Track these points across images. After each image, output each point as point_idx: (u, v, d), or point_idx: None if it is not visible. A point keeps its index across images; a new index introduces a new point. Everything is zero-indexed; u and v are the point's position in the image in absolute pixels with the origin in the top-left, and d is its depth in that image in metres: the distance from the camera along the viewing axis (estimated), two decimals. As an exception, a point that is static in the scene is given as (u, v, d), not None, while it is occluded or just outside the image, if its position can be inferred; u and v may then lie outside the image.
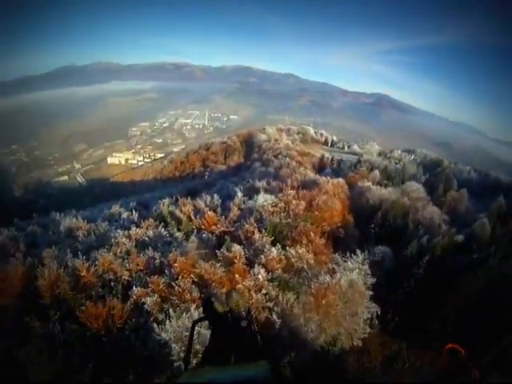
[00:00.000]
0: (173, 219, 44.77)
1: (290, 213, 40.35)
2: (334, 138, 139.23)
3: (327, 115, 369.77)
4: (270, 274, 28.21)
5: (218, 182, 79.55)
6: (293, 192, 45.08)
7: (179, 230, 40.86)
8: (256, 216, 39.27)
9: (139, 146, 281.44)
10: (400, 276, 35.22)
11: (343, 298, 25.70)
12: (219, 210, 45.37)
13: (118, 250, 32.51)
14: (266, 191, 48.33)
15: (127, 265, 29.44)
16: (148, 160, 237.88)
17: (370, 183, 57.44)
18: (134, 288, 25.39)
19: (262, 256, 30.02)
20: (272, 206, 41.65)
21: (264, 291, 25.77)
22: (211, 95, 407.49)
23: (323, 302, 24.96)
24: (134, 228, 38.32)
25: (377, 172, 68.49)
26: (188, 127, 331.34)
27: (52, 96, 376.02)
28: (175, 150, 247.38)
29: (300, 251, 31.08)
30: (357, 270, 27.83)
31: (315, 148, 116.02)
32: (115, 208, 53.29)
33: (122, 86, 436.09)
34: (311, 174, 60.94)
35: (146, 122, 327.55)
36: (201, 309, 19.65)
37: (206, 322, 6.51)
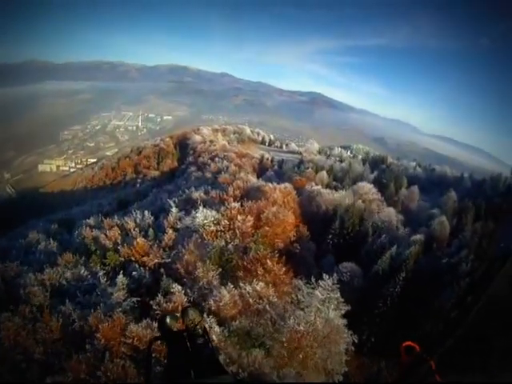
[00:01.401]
0: (97, 246, 37.88)
1: (237, 231, 34.58)
2: (271, 137, 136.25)
3: (262, 114, 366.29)
4: (224, 326, 22.49)
5: (150, 191, 75.52)
6: (237, 205, 38.93)
7: (104, 264, 33.52)
8: (196, 240, 32.73)
9: (71, 151, 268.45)
10: (372, 294, 32.39)
11: (320, 341, 22.20)
12: (151, 232, 38.87)
13: (27, 310, 25.40)
14: (205, 204, 42.43)
15: (39, 333, 23.01)
16: (80, 166, 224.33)
17: (319, 186, 53.00)
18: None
19: (211, 300, 24.27)
20: (214, 224, 35.58)
21: (222, 355, 19.55)
22: (145, 95, 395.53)
23: (298, 353, 21.66)
24: (49, 270, 31.08)
25: (324, 173, 64.56)
26: (121, 129, 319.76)
27: None
28: (108, 153, 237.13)
29: (258, 287, 25.29)
30: (331, 307, 23.14)
31: (253, 148, 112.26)
32: (32, 235, 46.50)
33: (55, 87, 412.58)
34: (253, 180, 55.59)
35: (78, 125, 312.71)
36: None
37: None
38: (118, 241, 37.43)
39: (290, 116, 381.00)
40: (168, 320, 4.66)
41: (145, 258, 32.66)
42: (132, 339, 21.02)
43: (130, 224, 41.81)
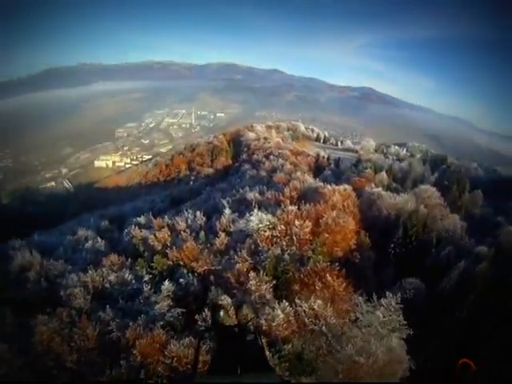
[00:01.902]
0: (145, 248, 35.78)
1: (294, 238, 30.89)
2: (326, 134, 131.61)
3: (314, 110, 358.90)
4: (274, 349, 19.61)
5: (203, 189, 73.56)
6: (294, 208, 35.16)
7: (151, 267, 30.81)
8: (249, 246, 29.41)
9: (126, 148, 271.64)
10: (437, 316, 27.27)
11: (378, 371, 18.63)
12: (202, 235, 35.94)
13: (65, 314, 24.54)
14: (260, 205, 39.05)
15: (75, 340, 21.95)
16: (135, 162, 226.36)
17: (379, 188, 48.17)
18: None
19: (263, 319, 21.10)
20: (269, 229, 32.07)
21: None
22: (197, 93, 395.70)
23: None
24: (93, 271, 29.72)
25: (383, 174, 59.56)
26: (175, 127, 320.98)
27: (36, 99, 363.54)
28: (162, 150, 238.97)
29: (315, 306, 21.85)
30: (394, 334, 20.24)
31: (308, 145, 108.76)
32: (81, 232, 44.75)
33: (108, 87, 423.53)
34: (310, 180, 51.71)
35: (132, 123, 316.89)
36: None
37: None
38: (168, 243, 34.81)
39: (342, 112, 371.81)
40: (222, 313, 4.64)
41: (194, 264, 29.86)
42: (171, 359, 19.23)
43: (181, 225, 39.20)
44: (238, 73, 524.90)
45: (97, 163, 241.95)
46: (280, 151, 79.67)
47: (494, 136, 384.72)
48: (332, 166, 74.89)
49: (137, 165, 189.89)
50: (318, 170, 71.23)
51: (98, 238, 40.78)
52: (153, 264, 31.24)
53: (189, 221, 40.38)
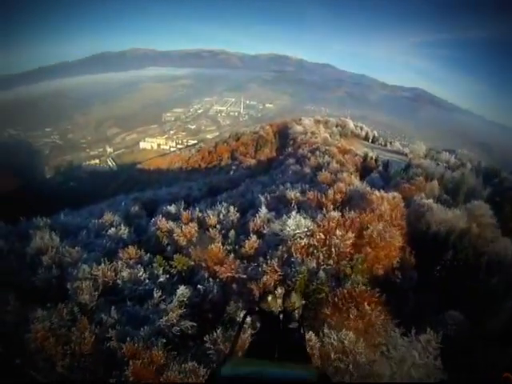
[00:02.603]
0: (169, 241, 32.72)
1: (333, 250, 26.83)
2: (375, 134, 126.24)
3: (364, 108, 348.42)
4: None
5: (243, 180, 70.12)
6: (336, 215, 30.77)
7: (170, 265, 27.36)
8: (282, 254, 25.52)
9: (172, 132, 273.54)
10: (480, 361, 21.87)
11: None
12: (232, 234, 32.11)
13: (66, 310, 21.92)
14: (300, 207, 34.92)
15: (70, 343, 19.68)
16: (180, 146, 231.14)
17: (430, 200, 42.83)
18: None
19: None
20: (307, 236, 27.93)
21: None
22: (247, 83, 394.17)
23: None
24: (106, 265, 26.75)
25: (435, 183, 54.14)
26: (223, 114, 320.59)
27: (88, 81, 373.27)
28: (209, 136, 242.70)
29: (346, 340, 18.39)
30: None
31: (356, 144, 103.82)
32: (107, 217, 41.44)
33: (157, 72, 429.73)
34: (357, 182, 46.99)
35: (180, 108, 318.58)
36: None
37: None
38: (194, 239, 31.35)
39: (392, 112, 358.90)
40: (269, 298, 4.53)
41: (217, 268, 26.22)
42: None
43: (212, 219, 35.72)
44: (289, 65, 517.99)
45: (142, 144, 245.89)
46: (327, 147, 75.25)
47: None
48: (380, 168, 69.76)
49: (181, 149, 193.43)
50: (365, 171, 66.61)
51: (122, 225, 37.63)
52: (173, 262, 27.90)
53: (221, 215, 36.86)
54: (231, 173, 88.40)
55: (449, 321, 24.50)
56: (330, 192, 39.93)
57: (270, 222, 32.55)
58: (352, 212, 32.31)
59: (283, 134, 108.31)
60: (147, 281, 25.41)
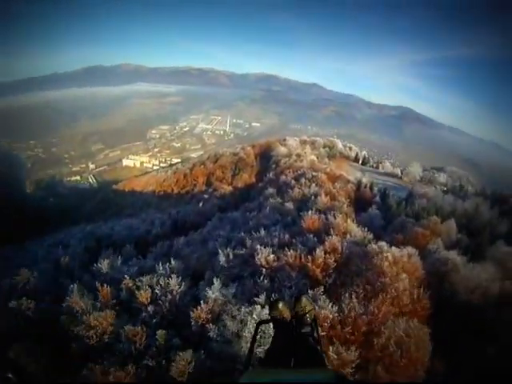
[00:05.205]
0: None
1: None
2: (365, 154, 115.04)
3: (351, 127, 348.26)
4: None
5: (213, 214, 58.65)
6: (330, 311, 18.37)
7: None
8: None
9: (156, 150, 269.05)
10: None
11: None
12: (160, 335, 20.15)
13: None
14: (274, 278, 22.72)
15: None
16: (164, 165, 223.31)
17: (453, 253, 30.65)
18: None
19: None
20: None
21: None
22: (234, 101, 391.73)
23: None
24: None
25: (452, 224, 41.58)
26: (208, 133, 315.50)
27: (77, 94, 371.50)
28: (193, 155, 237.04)
29: None
30: None
31: (345, 166, 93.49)
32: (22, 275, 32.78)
33: (146, 88, 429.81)
34: (355, 229, 34.31)
35: (166, 126, 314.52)
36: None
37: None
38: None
39: (378, 130, 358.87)
40: (280, 305, 4.34)
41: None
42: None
43: (143, 295, 22.90)
44: (277, 84, 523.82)
45: (125, 162, 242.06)
46: (314, 173, 63.74)
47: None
48: (377, 198, 57.24)
49: (158, 169, 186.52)
50: (359, 202, 54.16)
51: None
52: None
53: (157, 289, 23.82)
54: (201, 204, 76.66)
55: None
56: (319, 251, 26.44)
57: (221, 311, 19.78)
58: (353, 296, 19.74)
59: (265, 156, 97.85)
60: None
